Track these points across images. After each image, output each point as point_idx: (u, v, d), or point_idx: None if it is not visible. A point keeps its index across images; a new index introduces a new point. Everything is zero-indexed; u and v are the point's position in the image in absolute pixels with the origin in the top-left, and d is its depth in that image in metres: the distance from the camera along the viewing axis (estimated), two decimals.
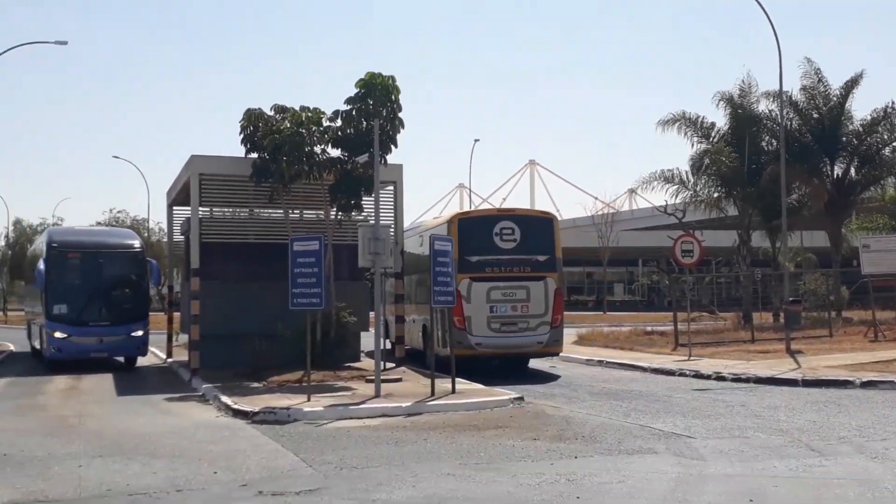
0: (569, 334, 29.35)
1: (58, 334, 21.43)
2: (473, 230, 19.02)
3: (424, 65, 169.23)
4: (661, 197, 35.85)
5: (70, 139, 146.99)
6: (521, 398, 14.68)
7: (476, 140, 60.59)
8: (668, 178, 33.49)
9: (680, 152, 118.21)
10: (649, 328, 30.72)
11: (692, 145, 33.44)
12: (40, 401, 16.11)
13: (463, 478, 8.81)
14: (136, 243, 24.18)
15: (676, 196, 34.27)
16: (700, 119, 33.40)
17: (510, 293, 18.67)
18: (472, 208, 63.54)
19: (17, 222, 67.55)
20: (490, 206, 74.80)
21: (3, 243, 67.40)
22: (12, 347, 29.56)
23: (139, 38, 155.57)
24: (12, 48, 27.14)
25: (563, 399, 15.29)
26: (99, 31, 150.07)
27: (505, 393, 15.18)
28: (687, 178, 33.42)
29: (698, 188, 33.51)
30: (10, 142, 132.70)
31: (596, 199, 68.10)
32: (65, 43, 27.29)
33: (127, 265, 23.09)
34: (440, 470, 9.18)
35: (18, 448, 10.87)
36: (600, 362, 22.14)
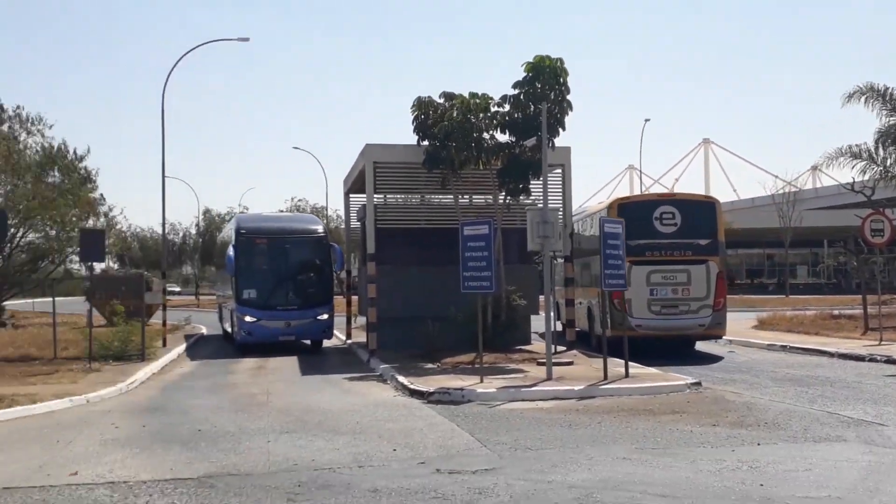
0: (748, 318, 28.49)
1: (248, 318, 22.32)
2: (633, 215, 18.74)
3: (591, 44, 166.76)
4: (847, 174, 33.65)
5: (254, 132, 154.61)
6: (698, 383, 14.29)
7: (646, 120, 58.88)
8: (855, 153, 31.44)
9: (865, 127, 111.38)
10: (836, 312, 29.24)
11: (879, 119, 31.30)
12: (230, 379, 17.07)
13: (639, 462, 8.68)
14: (320, 228, 24.83)
15: (864, 173, 32.20)
16: (889, 90, 31.19)
17: (671, 276, 18.92)
18: (641, 192, 62.29)
19: (207, 212, 71.70)
20: (663, 188, 73.25)
21: (194, 232, 71.74)
22: (204, 330, 31.36)
23: (315, 32, 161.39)
24: (199, 46, 28.47)
25: (744, 385, 14.77)
26: (278, 28, 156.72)
27: (681, 377, 14.81)
28: (875, 153, 31.33)
29: (888, 163, 31.37)
30: (199, 136, 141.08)
31: (776, 177, 65.05)
32: (247, 40, 28.24)
33: (312, 250, 23.65)
34: (615, 454, 9.09)
35: (212, 424, 11.57)
36: (783, 347, 21.24)
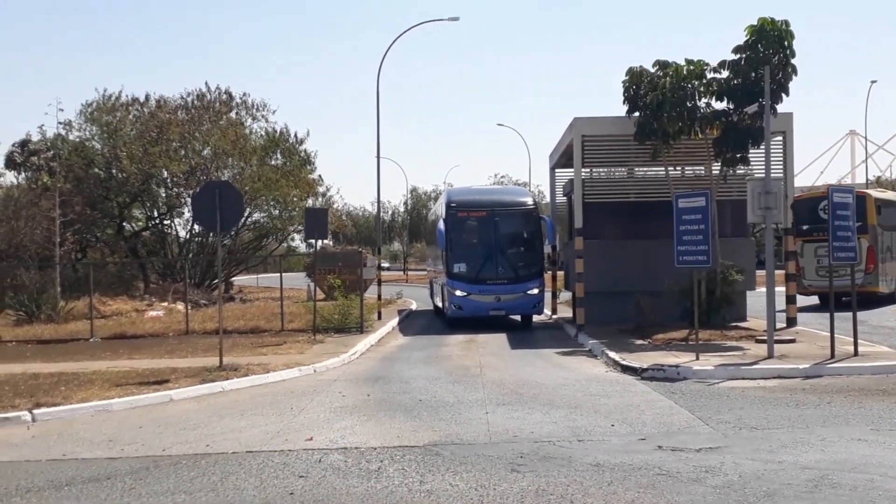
0: None
1: (458, 293, 22.37)
2: (804, 207, 25.06)
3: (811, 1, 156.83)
4: None
5: (459, 110, 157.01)
6: None
7: (873, 81, 54.85)
8: None
9: None
10: None
11: None
12: (444, 352, 17.52)
13: (876, 444, 8.19)
14: (531, 200, 24.34)
15: None
16: None
17: None
18: (864, 158, 58.31)
19: (414, 190, 73.93)
20: (888, 154, 68.89)
21: (402, 209, 74.18)
22: (414, 305, 32.28)
23: (519, 7, 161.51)
24: (411, 28, 29.31)
25: None
26: (484, 4, 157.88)
27: None
28: None
29: None
30: (406, 116, 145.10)
31: None
32: (457, 19, 28.60)
33: (522, 223, 23.24)
34: (849, 435, 8.61)
35: (431, 394, 11.95)
36: None
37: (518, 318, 23.64)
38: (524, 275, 22.52)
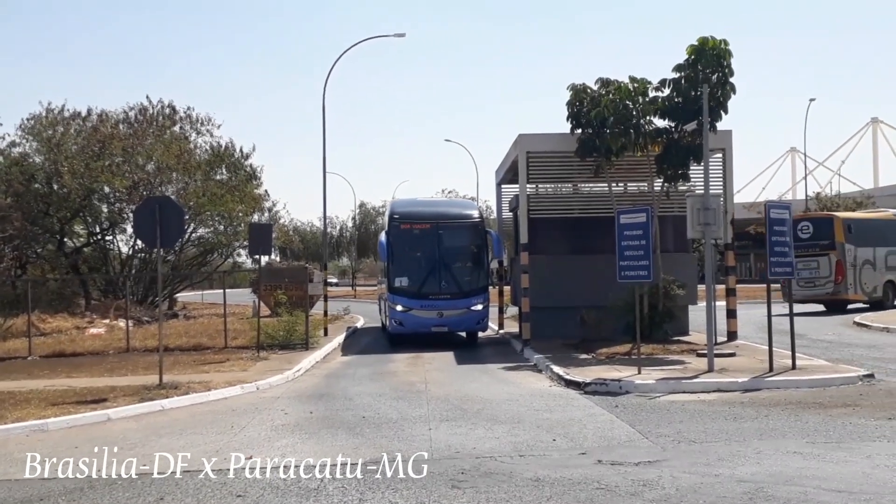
0: None
1: (399, 308, 21.74)
2: None
3: (749, 20, 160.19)
4: None
5: (406, 126, 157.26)
6: (871, 375, 13.70)
7: (811, 100, 56.10)
8: None
9: None
10: None
11: None
12: (389, 368, 17.46)
13: (811, 456, 8.34)
14: (476, 213, 23.75)
15: None
16: None
17: (808, 264, 29.16)
18: (804, 175, 59.51)
19: (362, 205, 73.76)
20: (827, 171, 70.27)
21: (350, 225, 73.95)
22: (362, 321, 32.06)
23: (465, 23, 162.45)
24: (357, 43, 29.12)
25: None
26: (430, 21, 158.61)
27: (853, 369, 14.24)
28: None
29: None
30: (354, 131, 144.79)
31: None
32: (403, 35, 28.36)
33: (467, 236, 22.64)
34: (785, 448, 8.76)
35: (375, 411, 11.89)
36: None
37: (464, 333, 23.39)
38: (468, 290, 21.97)
